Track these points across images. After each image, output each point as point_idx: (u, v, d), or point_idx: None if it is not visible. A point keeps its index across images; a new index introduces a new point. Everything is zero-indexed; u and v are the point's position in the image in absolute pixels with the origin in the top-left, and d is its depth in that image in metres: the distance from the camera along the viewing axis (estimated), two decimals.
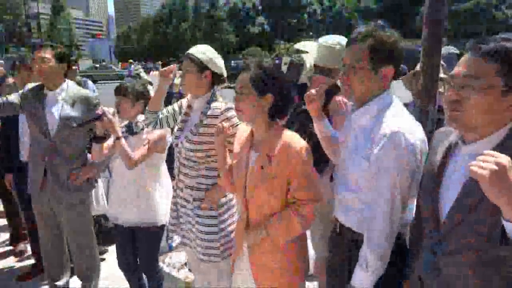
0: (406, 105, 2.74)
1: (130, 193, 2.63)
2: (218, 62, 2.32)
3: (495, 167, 0.97)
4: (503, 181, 0.96)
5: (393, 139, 1.48)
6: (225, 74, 2.39)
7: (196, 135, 2.27)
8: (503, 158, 0.98)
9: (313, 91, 1.88)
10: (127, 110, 2.62)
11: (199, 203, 2.31)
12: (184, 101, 2.52)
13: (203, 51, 2.29)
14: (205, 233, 2.31)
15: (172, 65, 2.41)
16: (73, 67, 5.94)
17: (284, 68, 2.76)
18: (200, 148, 2.27)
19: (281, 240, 1.83)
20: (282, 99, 1.84)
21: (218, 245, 2.31)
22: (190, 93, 2.41)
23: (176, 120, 2.52)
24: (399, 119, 1.54)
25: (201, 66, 2.27)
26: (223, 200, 2.35)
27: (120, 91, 2.62)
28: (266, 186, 1.80)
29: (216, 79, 2.35)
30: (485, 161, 0.99)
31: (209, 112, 2.29)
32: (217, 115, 2.26)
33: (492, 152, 1.01)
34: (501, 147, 1.15)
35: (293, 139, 1.81)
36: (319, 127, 1.97)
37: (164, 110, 2.49)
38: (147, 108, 2.47)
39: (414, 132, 1.52)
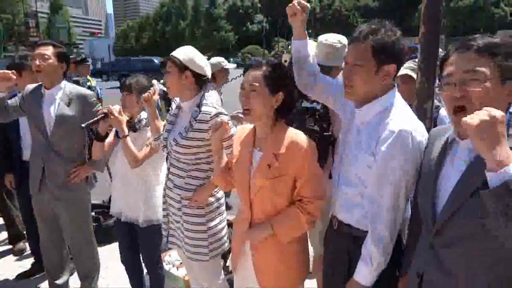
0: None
1: (134, 192, 2.64)
2: (199, 62, 2.26)
3: (486, 118, 1.03)
4: (490, 131, 1.02)
5: (401, 137, 1.50)
6: (208, 75, 2.33)
7: (184, 138, 2.24)
8: (496, 111, 1.04)
9: (294, 3, 1.77)
10: (132, 105, 2.63)
11: (187, 203, 2.30)
12: (173, 106, 2.51)
13: (184, 52, 2.26)
14: (192, 232, 2.30)
15: (151, 90, 2.40)
16: (87, 63, 6.05)
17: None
18: (189, 151, 2.25)
19: (286, 238, 1.84)
20: (291, 97, 1.84)
21: (206, 243, 2.30)
22: (175, 96, 2.37)
23: None
24: (405, 118, 1.57)
25: (181, 67, 2.22)
26: (211, 199, 2.33)
27: (125, 87, 2.63)
28: (273, 185, 1.80)
29: (199, 80, 2.28)
30: (478, 114, 1.06)
31: (199, 117, 2.23)
32: (207, 120, 2.21)
33: (488, 108, 1.06)
34: None
35: (299, 137, 1.81)
36: (297, 45, 1.88)
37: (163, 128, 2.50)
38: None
39: (419, 130, 1.54)
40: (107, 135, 2.64)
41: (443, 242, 1.28)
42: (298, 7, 1.77)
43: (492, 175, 1.02)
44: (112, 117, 2.46)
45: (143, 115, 2.67)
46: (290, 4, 1.78)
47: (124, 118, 2.52)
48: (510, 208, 0.99)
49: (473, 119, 1.05)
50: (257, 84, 1.78)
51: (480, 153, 1.05)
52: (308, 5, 1.80)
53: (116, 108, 2.48)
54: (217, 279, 2.42)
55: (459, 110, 1.23)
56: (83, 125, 2.46)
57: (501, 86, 1.20)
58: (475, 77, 1.19)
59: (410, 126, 1.52)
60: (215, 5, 74.13)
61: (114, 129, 2.67)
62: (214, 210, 2.35)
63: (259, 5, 74.44)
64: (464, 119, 1.08)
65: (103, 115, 2.50)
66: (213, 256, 2.33)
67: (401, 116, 1.56)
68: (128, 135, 2.50)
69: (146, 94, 2.38)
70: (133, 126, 2.62)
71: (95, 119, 2.51)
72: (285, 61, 2.73)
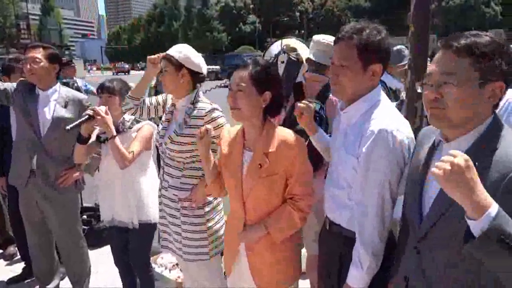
0: (402, 102, 2.75)
1: (120, 192, 2.61)
2: (195, 60, 2.28)
3: (448, 167, 0.99)
4: (457, 180, 0.98)
5: (381, 137, 1.49)
6: (204, 72, 2.35)
7: (179, 135, 2.25)
8: (459, 158, 1.00)
9: (300, 104, 1.84)
10: (116, 107, 2.58)
11: (186, 204, 2.30)
12: (169, 97, 2.48)
13: (179, 50, 2.27)
14: (193, 233, 2.30)
15: (160, 54, 2.35)
16: (72, 65, 6.06)
17: (281, 66, 2.73)
18: (184, 148, 2.26)
19: (280, 237, 1.84)
20: (279, 96, 1.85)
21: (207, 243, 2.31)
22: (171, 94, 2.38)
23: (157, 113, 2.51)
24: (387, 117, 1.55)
25: (177, 65, 2.24)
26: (209, 198, 2.33)
27: (106, 90, 2.57)
28: (265, 184, 1.80)
29: (195, 77, 2.31)
30: (443, 161, 1.02)
31: (194, 113, 2.26)
32: (202, 116, 2.24)
33: (453, 152, 1.03)
34: (479, 142, 1.17)
35: (288, 135, 1.82)
36: (315, 141, 1.95)
37: (147, 100, 2.48)
38: (128, 93, 2.44)
39: (402, 129, 1.53)
40: (89, 137, 2.57)
41: (428, 246, 1.27)
42: (303, 106, 1.83)
43: (472, 223, 0.99)
44: (99, 117, 2.40)
45: (127, 117, 2.63)
46: (296, 107, 1.85)
47: (110, 118, 2.46)
48: (489, 255, 0.99)
49: (440, 170, 1.01)
50: (243, 85, 1.78)
51: (456, 201, 1.03)
52: (312, 106, 1.87)
53: (102, 108, 2.43)
54: (217, 278, 2.41)
55: (434, 107, 1.22)
56: (68, 127, 2.40)
57: (479, 89, 1.16)
58: (450, 81, 1.17)
59: (392, 125, 1.51)
60: (207, 5, 74.00)
61: (94, 134, 2.62)
62: (212, 210, 2.35)
63: (251, 5, 74.54)
64: (433, 169, 1.04)
65: (87, 116, 2.43)
66: (213, 255, 2.34)
67: (384, 116, 1.55)
68: (116, 135, 2.45)
69: (155, 56, 2.32)
70: (117, 128, 2.56)
71: (80, 121, 2.44)
72: (282, 62, 2.72)
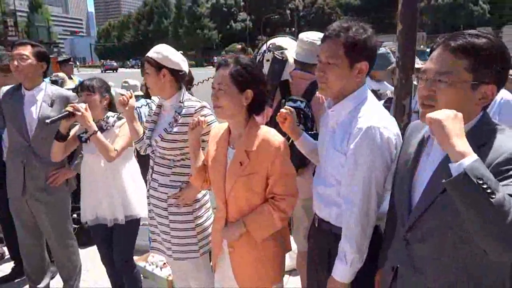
0: (391, 100, 2.77)
1: (105, 190, 2.61)
2: (174, 58, 2.29)
3: (446, 113, 1.07)
4: (448, 125, 1.05)
5: (368, 134, 1.51)
6: (185, 70, 2.36)
7: (170, 133, 2.27)
8: (450, 111, 1.08)
9: (283, 110, 1.87)
10: (95, 105, 2.57)
11: (174, 201, 2.31)
12: (153, 106, 2.52)
13: (157, 51, 2.29)
14: (181, 231, 2.31)
15: (127, 93, 2.39)
16: (70, 63, 6.00)
17: (266, 64, 2.74)
18: (174, 146, 2.27)
19: (259, 236, 1.83)
20: (261, 95, 1.85)
21: (195, 240, 2.32)
22: (156, 95, 2.42)
23: None
24: (374, 114, 1.57)
25: (157, 66, 2.26)
26: (198, 195, 2.35)
27: (86, 88, 2.57)
28: (246, 182, 1.80)
29: (176, 76, 2.31)
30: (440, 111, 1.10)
31: (183, 111, 2.28)
32: (192, 114, 2.25)
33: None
34: (468, 137, 1.19)
35: (271, 134, 1.82)
36: (300, 145, 1.97)
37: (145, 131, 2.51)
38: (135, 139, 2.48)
39: (389, 126, 1.55)
40: (68, 135, 2.58)
41: (416, 237, 1.30)
42: (285, 111, 1.87)
43: (454, 165, 1.03)
44: (79, 113, 2.40)
45: (109, 114, 2.63)
46: (279, 113, 1.89)
47: (90, 115, 2.46)
48: (467, 196, 1.00)
49: (435, 115, 1.08)
50: (224, 84, 1.79)
51: (442, 146, 1.07)
52: (294, 112, 1.91)
53: (82, 105, 2.43)
54: (207, 276, 2.42)
55: (427, 105, 1.23)
56: (47, 121, 2.39)
57: (472, 90, 1.18)
58: (444, 80, 1.18)
59: (379, 123, 1.53)
60: (198, 3, 73.69)
61: (72, 132, 2.62)
62: (201, 207, 2.36)
63: (242, 3, 74.43)
64: (428, 114, 1.09)
65: (67, 113, 2.43)
66: (203, 253, 2.35)
67: (371, 113, 1.58)
68: (97, 130, 2.46)
69: (121, 98, 2.36)
70: (100, 126, 2.56)
71: (59, 116, 2.44)
72: (268, 60, 2.73)
